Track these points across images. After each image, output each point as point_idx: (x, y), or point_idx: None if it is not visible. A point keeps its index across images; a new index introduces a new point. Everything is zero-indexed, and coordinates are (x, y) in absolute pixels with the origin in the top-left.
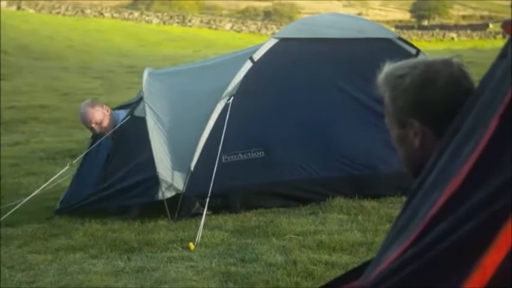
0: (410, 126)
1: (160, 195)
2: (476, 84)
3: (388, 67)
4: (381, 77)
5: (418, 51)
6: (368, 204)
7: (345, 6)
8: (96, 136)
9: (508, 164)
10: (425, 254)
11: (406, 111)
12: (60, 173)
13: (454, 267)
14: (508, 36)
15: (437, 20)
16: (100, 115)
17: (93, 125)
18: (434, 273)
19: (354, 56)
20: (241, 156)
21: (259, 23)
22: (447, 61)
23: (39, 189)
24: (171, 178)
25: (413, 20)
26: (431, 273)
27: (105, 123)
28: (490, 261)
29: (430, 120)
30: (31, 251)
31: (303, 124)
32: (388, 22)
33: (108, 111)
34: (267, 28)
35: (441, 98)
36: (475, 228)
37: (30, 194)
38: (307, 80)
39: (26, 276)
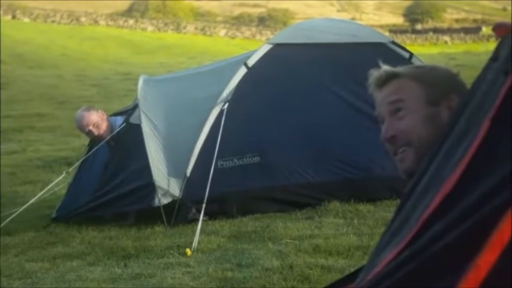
0: (448, 101)
1: (156, 201)
2: (468, 86)
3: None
4: (391, 68)
5: (412, 55)
6: (363, 207)
7: (338, 11)
8: (92, 143)
9: (500, 166)
10: (420, 256)
11: (445, 87)
12: (56, 181)
13: (449, 267)
14: (500, 39)
15: (430, 24)
16: (96, 117)
17: (91, 127)
18: (429, 274)
19: (348, 61)
20: (236, 161)
21: (253, 29)
22: None
23: (36, 197)
24: (167, 184)
25: (406, 23)
26: (426, 274)
27: (103, 126)
28: (484, 261)
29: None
30: (28, 259)
31: (298, 129)
32: (381, 26)
33: (104, 115)
34: (261, 34)
35: (465, 86)
36: (469, 229)
37: (27, 202)
38: (301, 85)
39: (24, 285)
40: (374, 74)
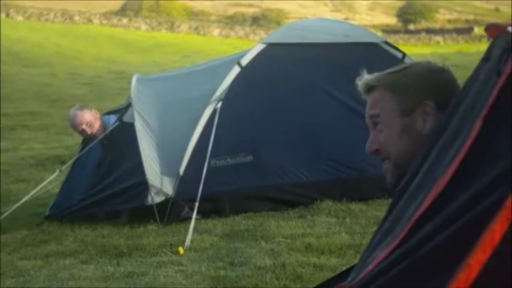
0: (423, 107)
1: (149, 200)
2: (460, 86)
3: (369, 74)
4: (370, 77)
5: (404, 55)
6: (356, 206)
7: (331, 11)
8: (86, 142)
9: (492, 165)
10: (412, 255)
11: (419, 95)
12: (49, 179)
13: (441, 267)
14: (492, 40)
15: (423, 24)
16: (89, 116)
17: (84, 127)
18: (421, 273)
19: (341, 61)
20: (229, 160)
21: (247, 29)
22: (430, 62)
23: (29, 195)
24: (160, 183)
25: (399, 24)
26: (418, 273)
27: (96, 125)
28: (476, 260)
29: (443, 105)
30: (21, 257)
31: (291, 128)
32: (375, 26)
33: (97, 114)
34: (255, 33)
35: (450, 83)
36: (461, 229)
37: (20, 200)
38: (295, 85)
39: (16, 283)
40: (358, 84)
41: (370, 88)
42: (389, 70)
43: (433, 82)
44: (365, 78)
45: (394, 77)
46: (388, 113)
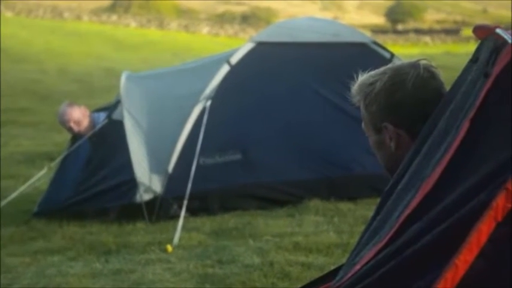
0: (385, 130)
1: (138, 197)
2: (448, 87)
3: (361, 77)
4: (355, 87)
5: (393, 55)
6: (344, 206)
7: (321, 9)
8: (75, 139)
9: (479, 166)
10: (400, 254)
11: (379, 116)
12: (38, 175)
13: (428, 266)
14: (480, 41)
15: (411, 24)
16: (78, 114)
17: (72, 124)
18: (409, 273)
19: (330, 60)
20: (218, 158)
21: (236, 27)
22: (414, 64)
23: (17, 192)
24: (148, 181)
25: (388, 24)
26: (406, 272)
27: (85, 122)
28: (462, 260)
29: (402, 122)
30: (9, 254)
31: (280, 126)
32: (364, 26)
33: (86, 111)
34: (244, 32)
35: (410, 99)
36: (448, 229)
37: (8, 197)
38: (283, 83)
39: (4, 279)
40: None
41: (354, 96)
42: (370, 79)
43: (387, 103)
44: (355, 84)
45: (367, 91)
46: (367, 125)
